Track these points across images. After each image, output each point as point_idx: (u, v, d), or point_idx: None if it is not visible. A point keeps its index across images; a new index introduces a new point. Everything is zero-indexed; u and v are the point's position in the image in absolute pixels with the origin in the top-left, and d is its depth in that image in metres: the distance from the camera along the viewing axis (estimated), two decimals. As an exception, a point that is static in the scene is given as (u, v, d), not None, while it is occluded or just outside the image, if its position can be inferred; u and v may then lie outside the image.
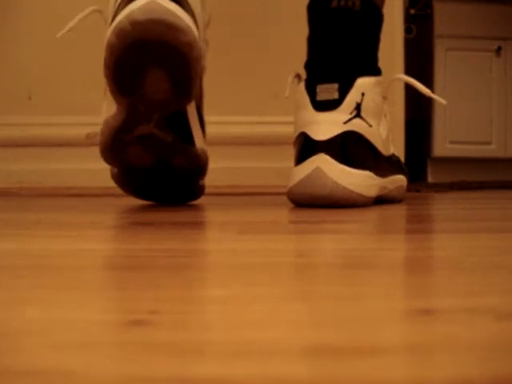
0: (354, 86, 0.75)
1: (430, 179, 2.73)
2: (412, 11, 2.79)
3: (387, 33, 1.30)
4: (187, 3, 0.68)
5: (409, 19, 2.67)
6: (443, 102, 0.83)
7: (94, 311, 0.22)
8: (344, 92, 0.75)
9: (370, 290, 0.26)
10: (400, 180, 0.87)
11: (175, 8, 0.65)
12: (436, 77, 2.74)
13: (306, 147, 0.74)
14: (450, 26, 2.73)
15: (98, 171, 1.27)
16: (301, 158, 0.75)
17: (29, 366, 0.16)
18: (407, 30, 2.49)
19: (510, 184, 1.97)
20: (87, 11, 0.78)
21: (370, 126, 0.76)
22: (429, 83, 2.72)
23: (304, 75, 0.81)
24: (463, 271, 0.30)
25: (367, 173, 0.75)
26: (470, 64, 2.73)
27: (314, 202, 0.73)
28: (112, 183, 1.23)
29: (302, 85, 0.78)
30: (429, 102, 2.63)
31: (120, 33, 0.64)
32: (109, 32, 0.66)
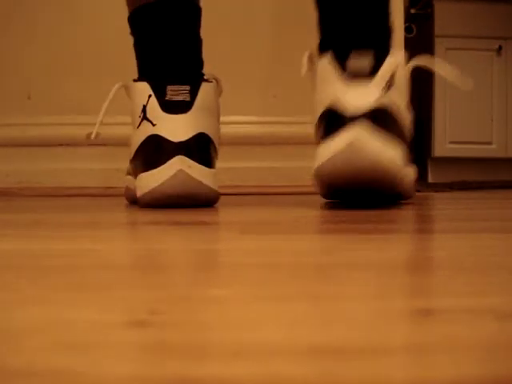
0: (388, 58, 0.72)
1: (430, 179, 2.73)
2: (412, 10, 2.79)
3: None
4: (211, 153, 0.78)
5: (409, 18, 2.67)
6: (468, 85, 0.79)
7: (94, 311, 0.22)
8: (378, 64, 0.71)
9: (370, 290, 0.26)
10: (412, 173, 0.79)
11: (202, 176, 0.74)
12: (436, 76, 2.74)
13: (339, 121, 0.68)
14: (450, 26, 2.73)
15: (98, 171, 1.27)
16: (331, 133, 0.68)
17: (29, 366, 0.16)
18: (407, 30, 2.50)
19: (511, 184, 1.97)
20: (114, 90, 0.80)
21: (399, 105, 0.72)
22: (429, 83, 2.72)
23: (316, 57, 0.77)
24: (463, 271, 0.30)
25: (398, 149, 0.69)
26: (471, 64, 2.73)
27: (353, 178, 0.66)
28: (112, 183, 1.23)
29: (326, 60, 0.73)
30: (429, 101, 2.63)
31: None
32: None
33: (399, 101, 0.73)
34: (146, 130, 0.75)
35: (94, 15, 1.30)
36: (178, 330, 0.20)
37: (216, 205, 0.78)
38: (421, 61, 0.80)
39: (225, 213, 0.70)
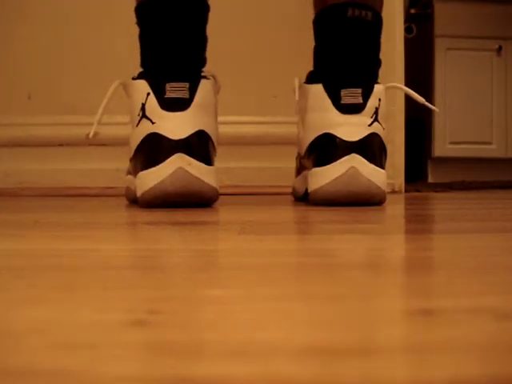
0: (373, 92, 0.80)
1: (430, 179, 2.74)
2: (412, 11, 2.79)
3: (387, 33, 1.30)
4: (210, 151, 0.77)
5: (409, 19, 2.67)
6: (436, 109, 0.90)
7: (94, 311, 0.22)
8: (366, 97, 0.79)
9: (370, 290, 0.26)
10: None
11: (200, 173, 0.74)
12: (436, 76, 2.74)
13: (335, 148, 0.77)
14: (450, 26, 2.73)
15: (98, 171, 1.27)
16: (329, 158, 0.77)
17: (29, 366, 0.16)
18: (407, 30, 2.50)
19: (511, 184, 1.97)
20: (112, 88, 0.81)
21: (384, 129, 0.81)
22: (429, 83, 2.72)
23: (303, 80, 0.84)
24: (463, 271, 0.30)
25: (385, 171, 0.80)
26: (471, 64, 2.73)
27: (348, 199, 0.76)
28: (112, 183, 1.23)
29: (319, 87, 0.80)
30: (429, 101, 2.63)
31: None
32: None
33: (383, 125, 0.81)
34: (145, 128, 0.75)
35: (95, 15, 1.30)
36: (177, 329, 0.20)
37: (216, 205, 0.78)
38: (393, 85, 0.89)
39: (224, 213, 0.70)
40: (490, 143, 2.79)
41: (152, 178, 0.73)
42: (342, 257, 0.36)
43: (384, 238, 0.46)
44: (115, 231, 0.52)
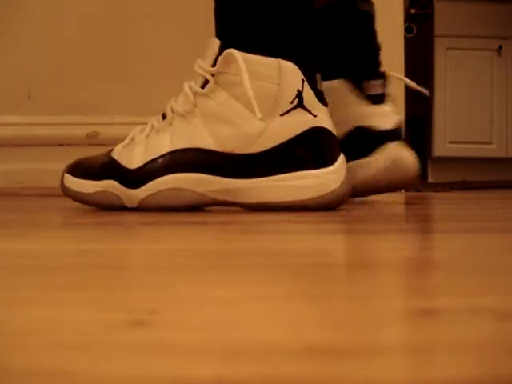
0: (386, 81, 0.82)
1: (430, 179, 2.73)
2: (412, 11, 2.79)
3: (387, 32, 1.30)
4: None
5: (409, 19, 2.67)
6: (426, 92, 0.90)
7: (94, 311, 0.22)
8: (385, 86, 0.82)
9: (370, 290, 0.26)
10: None
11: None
12: (436, 76, 2.74)
13: (370, 139, 0.79)
14: (450, 26, 2.73)
15: (98, 171, 1.26)
16: (366, 150, 0.79)
17: (29, 366, 0.16)
18: (407, 30, 2.49)
19: (511, 184, 1.97)
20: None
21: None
22: (429, 83, 2.72)
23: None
24: (463, 271, 0.30)
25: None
26: (471, 63, 2.73)
27: (395, 185, 0.79)
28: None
29: (341, 82, 0.81)
30: (429, 101, 2.63)
31: None
32: None
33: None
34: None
35: (95, 15, 1.30)
36: (178, 329, 0.20)
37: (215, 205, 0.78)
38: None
39: (224, 213, 0.70)
40: (490, 143, 2.79)
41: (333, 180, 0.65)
42: (342, 256, 0.36)
43: (384, 238, 0.46)
44: (115, 231, 0.52)
